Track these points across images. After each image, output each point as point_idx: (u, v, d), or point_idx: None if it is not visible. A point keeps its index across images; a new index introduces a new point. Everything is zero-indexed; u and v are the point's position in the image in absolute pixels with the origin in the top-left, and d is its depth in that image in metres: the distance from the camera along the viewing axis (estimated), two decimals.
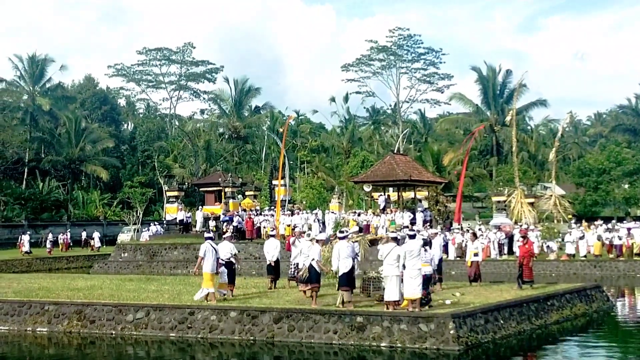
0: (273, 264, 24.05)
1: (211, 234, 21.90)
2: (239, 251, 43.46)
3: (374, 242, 20.62)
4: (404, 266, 17.56)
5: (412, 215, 44.10)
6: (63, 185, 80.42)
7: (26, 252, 51.56)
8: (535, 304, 20.89)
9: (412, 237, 18.31)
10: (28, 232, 54.37)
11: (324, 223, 44.78)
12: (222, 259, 21.42)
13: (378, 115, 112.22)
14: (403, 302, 17.79)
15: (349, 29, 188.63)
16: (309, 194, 73.81)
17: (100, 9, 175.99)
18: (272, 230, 27.83)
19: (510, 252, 40.18)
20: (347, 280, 18.56)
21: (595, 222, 45.42)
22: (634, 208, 71.77)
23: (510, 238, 41.43)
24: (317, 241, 19.49)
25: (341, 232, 19.72)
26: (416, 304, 17.53)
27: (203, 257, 20.37)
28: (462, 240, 39.67)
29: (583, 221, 47.42)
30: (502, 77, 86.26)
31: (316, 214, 47.61)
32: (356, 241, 20.32)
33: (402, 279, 17.77)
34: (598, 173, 70.71)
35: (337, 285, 19.02)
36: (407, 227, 27.47)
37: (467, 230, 36.19)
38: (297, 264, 22.43)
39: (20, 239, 52.72)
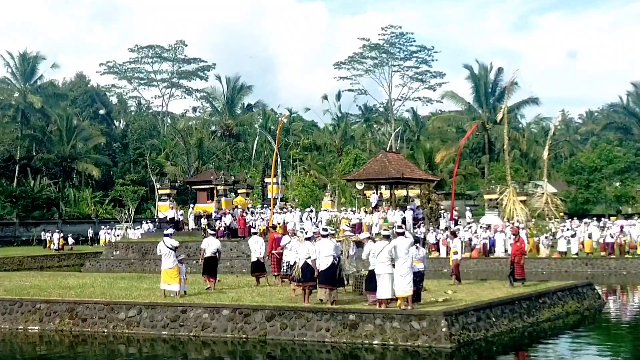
0: (260, 261, 24.16)
1: (170, 231, 22.34)
2: (231, 249, 43.84)
3: (360, 243, 20.66)
4: (393, 265, 17.61)
5: (403, 214, 44.16)
6: (54, 183, 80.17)
7: (56, 249, 55.72)
8: (527, 301, 20.94)
9: (401, 234, 18.32)
10: (57, 231, 58.33)
11: (319, 221, 44.73)
12: (207, 254, 22.59)
13: (370, 113, 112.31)
14: (398, 301, 17.82)
15: (340, 27, 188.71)
16: (301, 192, 73.80)
17: (92, 6, 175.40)
18: (255, 228, 27.89)
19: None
20: (325, 278, 18.66)
21: (585, 220, 45.56)
22: (625, 206, 72.06)
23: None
24: (308, 239, 19.45)
25: (324, 229, 19.86)
26: (408, 302, 17.56)
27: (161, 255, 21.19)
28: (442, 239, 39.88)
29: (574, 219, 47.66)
30: (494, 75, 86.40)
31: (309, 211, 47.61)
32: (340, 240, 20.33)
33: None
34: (589, 171, 70.98)
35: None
36: (401, 226, 27.52)
37: (448, 228, 36.14)
38: (289, 261, 22.46)
39: (51, 237, 57.79)
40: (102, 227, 62.91)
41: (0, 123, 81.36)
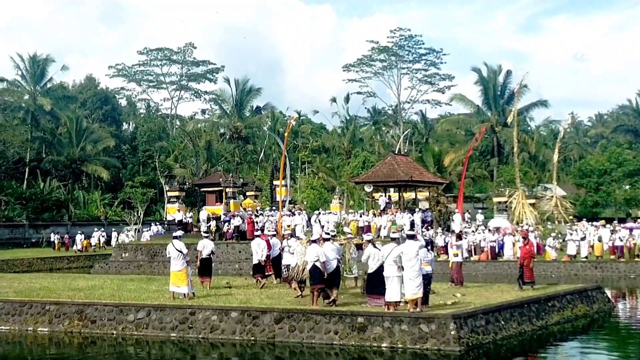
0: (262, 264, 24.49)
1: (179, 233, 22.73)
2: (239, 251, 43.88)
3: (359, 246, 20.74)
4: (402, 267, 17.63)
5: (412, 216, 44.11)
6: (64, 185, 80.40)
7: (78, 250, 57.11)
8: (536, 304, 20.90)
9: (411, 237, 18.34)
10: (80, 232, 59.42)
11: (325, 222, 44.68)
12: (203, 255, 23.83)
13: (379, 115, 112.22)
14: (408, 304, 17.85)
15: (348, 29, 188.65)
16: (309, 195, 73.79)
17: (99, 8, 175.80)
18: (266, 230, 28.14)
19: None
20: (332, 280, 19.04)
21: (596, 223, 45.44)
22: (634, 209, 71.76)
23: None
24: (314, 241, 19.49)
25: (327, 233, 20.04)
26: (417, 305, 17.55)
27: (170, 257, 21.55)
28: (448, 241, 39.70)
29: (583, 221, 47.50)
30: (503, 77, 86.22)
31: (317, 214, 47.59)
32: (342, 244, 20.43)
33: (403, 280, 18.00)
34: (599, 174, 70.73)
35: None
36: (412, 229, 27.60)
37: (453, 232, 35.99)
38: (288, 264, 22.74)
39: (61, 238, 59.33)
40: (95, 229, 63.01)
41: (10, 125, 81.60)
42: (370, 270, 18.78)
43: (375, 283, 18.66)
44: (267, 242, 24.96)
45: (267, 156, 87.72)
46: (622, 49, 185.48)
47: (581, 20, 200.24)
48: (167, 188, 59.80)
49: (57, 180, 79.93)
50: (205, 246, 24.11)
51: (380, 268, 18.53)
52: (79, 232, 59.67)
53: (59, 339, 19.84)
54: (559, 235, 42.83)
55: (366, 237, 20.20)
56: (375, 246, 18.98)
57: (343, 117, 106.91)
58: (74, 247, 58.20)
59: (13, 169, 79.88)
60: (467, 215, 48.19)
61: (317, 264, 18.82)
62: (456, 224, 43.07)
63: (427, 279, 18.85)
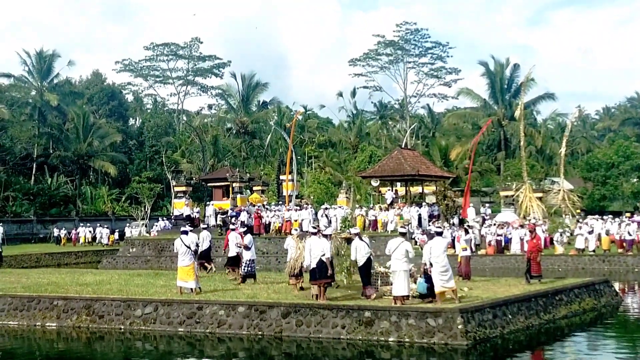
0: (239, 257, 24.93)
1: (187, 229, 22.76)
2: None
3: (349, 240, 20.83)
4: (431, 264, 17.91)
5: (419, 210, 44.05)
6: (71, 181, 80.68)
7: (106, 244, 59.03)
8: (543, 298, 20.85)
9: (439, 234, 18.58)
10: (106, 226, 61.44)
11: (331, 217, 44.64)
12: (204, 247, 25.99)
13: (385, 110, 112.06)
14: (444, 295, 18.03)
15: (353, 22, 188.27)
16: (316, 189, 73.81)
17: (105, 3, 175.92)
18: (232, 225, 28.54)
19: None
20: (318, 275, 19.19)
21: (604, 217, 45.29)
22: None
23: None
24: (325, 236, 19.51)
25: (314, 227, 20.23)
26: (455, 294, 17.96)
27: (177, 252, 21.62)
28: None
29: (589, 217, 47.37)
30: (510, 71, 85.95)
31: (324, 208, 47.58)
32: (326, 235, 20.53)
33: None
34: (606, 167, 70.50)
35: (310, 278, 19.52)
36: (439, 226, 27.71)
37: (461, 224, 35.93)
38: (249, 259, 23.86)
39: (67, 234, 60.80)
40: (81, 224, 63.10)
41: (17, 121, 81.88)
42: (359, 264, 19.21)
43: (364, 275, 19.24)
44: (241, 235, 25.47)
45: (273, 151, 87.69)
46: (630, 42, 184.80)
47: (588, 13, 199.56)
48: (174, 183, 59.93)
49: (64, 176, 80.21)
50: (205, 238, 26.91)
51: (368, 260, 19.11)
52: (104, 226, 61.27)
53: (67, 334, 19.92)
54: (567, 229, 42.68)
55: (353, 230, 20.42)
56: (361, 239, 19.29)
57: (349, 112, 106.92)
58: (101, 242, 59.61)
59: (20, 164, 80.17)
60: (482, 209, 48.06)
61: (324, 259, 18.84)
62: (470, 217, 43.05)
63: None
